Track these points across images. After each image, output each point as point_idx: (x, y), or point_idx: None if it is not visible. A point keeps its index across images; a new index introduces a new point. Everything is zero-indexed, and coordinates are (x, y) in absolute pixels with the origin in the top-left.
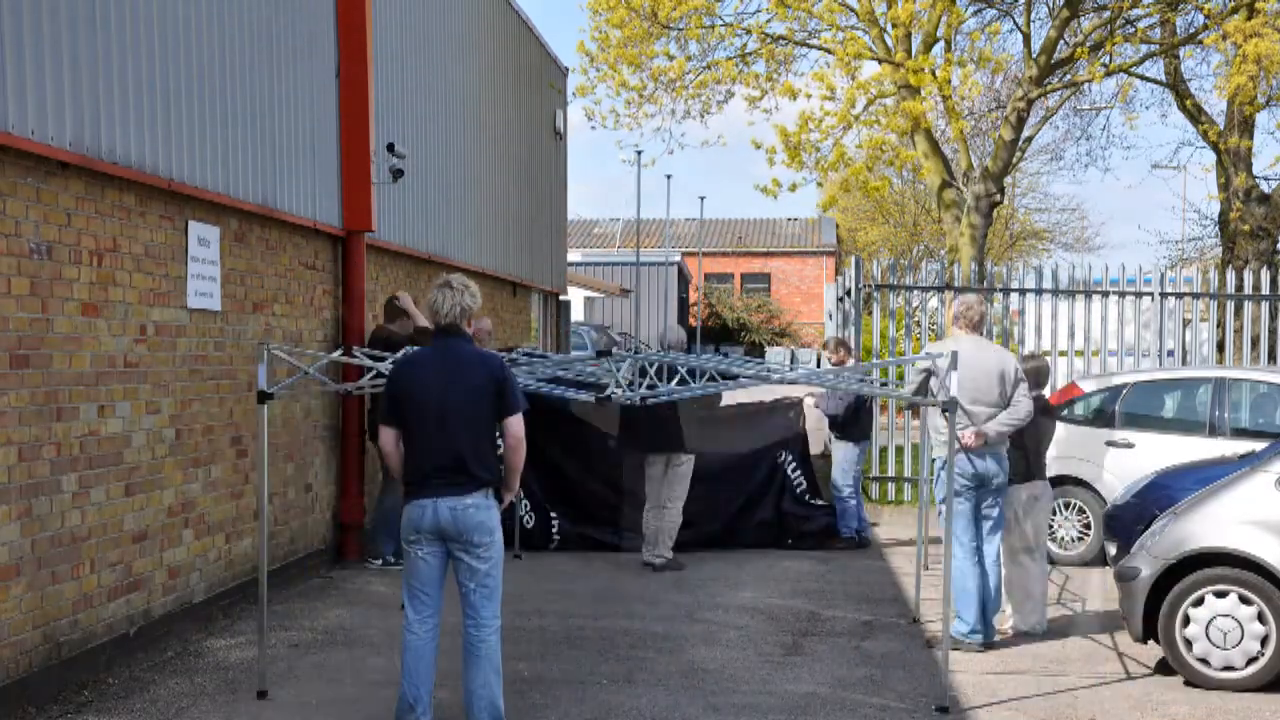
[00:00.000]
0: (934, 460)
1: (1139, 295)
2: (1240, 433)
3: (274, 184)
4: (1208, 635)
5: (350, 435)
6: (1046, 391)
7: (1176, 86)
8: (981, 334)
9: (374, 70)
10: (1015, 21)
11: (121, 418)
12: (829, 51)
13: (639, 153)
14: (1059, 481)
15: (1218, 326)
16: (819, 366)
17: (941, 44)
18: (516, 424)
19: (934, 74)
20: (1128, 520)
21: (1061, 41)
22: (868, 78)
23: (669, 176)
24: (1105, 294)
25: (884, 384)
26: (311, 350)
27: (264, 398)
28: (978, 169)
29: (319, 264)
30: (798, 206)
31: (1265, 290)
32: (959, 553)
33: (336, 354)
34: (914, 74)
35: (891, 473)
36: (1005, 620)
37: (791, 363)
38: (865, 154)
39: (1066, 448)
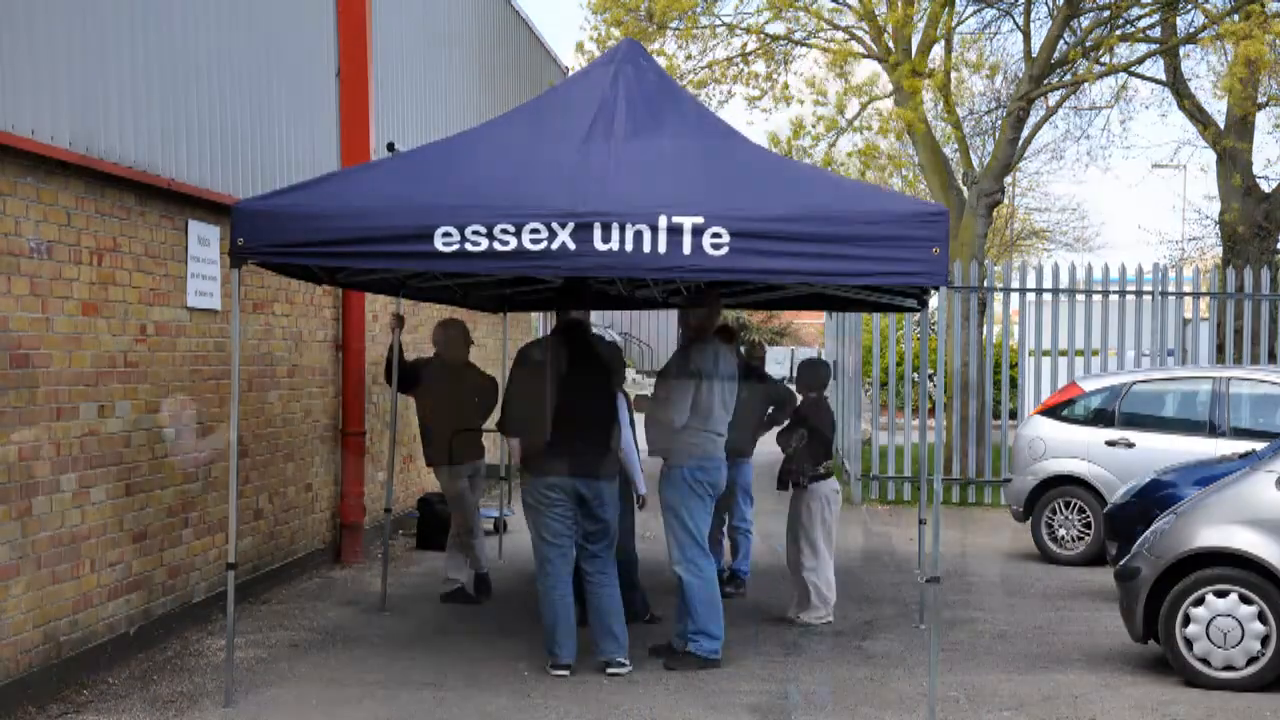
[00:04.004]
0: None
1: (1139, 295)
2: (1240, 433)
3: (274, 184)
4: (1208, 635)
5: (350, 435)
6: (1045, 392)
7: (1176, 86)
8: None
9: (374, 70)
10: (1015, 21)
11: (121, 418)
12: (827, 51)
13: None
14: (1059, 481)
15: (1217, 326)
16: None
17: (940, 44)
18: None
19: (931, 75)
20: (1128, 520)
21: (1061, 41)
22: (863, 80)
23: None
24: (1105, 294)
25: None
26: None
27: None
28: (977, 169)
29: None
30: None
31: (1265, 290)
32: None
33: None
34: (909, 77)
35: (891, 472)
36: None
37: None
38: (858, 161)
39: (1066, 448)
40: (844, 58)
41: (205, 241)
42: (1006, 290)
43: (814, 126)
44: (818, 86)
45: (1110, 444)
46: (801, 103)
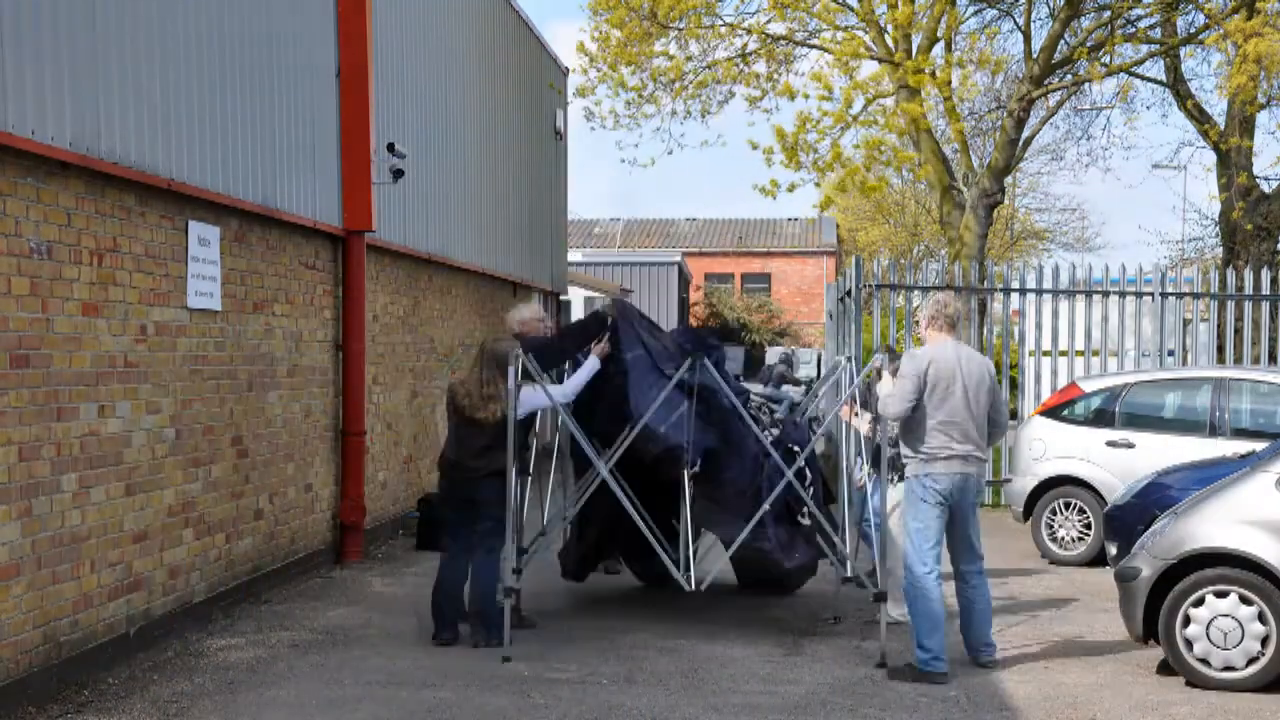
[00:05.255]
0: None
1: (1139, 295)
2: (1240, 433)
3: (274, 184)
4: (1208, 635)
5: (350, 435)
6: (1045, 392)
7: (1177, 87)
8: (958, 336)
9: (374, 70)
10: (1016, 21)
11: (121, 418)
12: (828, 51)
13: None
14: (1059, 482)
15: (1218, 326)
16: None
17: (941, 44)
18: None
19: (933, 75)
20: (1128, 520)
21: (1062, 41)
22: (866, 77)
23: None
24: (1105, 294)
25: None
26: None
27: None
28: (978, 170)
29: (319, 264)
30: (798, 206)
31: (1265, 290)
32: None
33: None
34: (913, 74)
35: None
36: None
37: (789, 365)
38: (863, 154)
39: (1066, 448)
40: (850, 54)
41: (205, 241)
42: (1007, 290)
43: (819, 122)
44: (824, 81)
45: (1110, 444)
46: (807, 97)
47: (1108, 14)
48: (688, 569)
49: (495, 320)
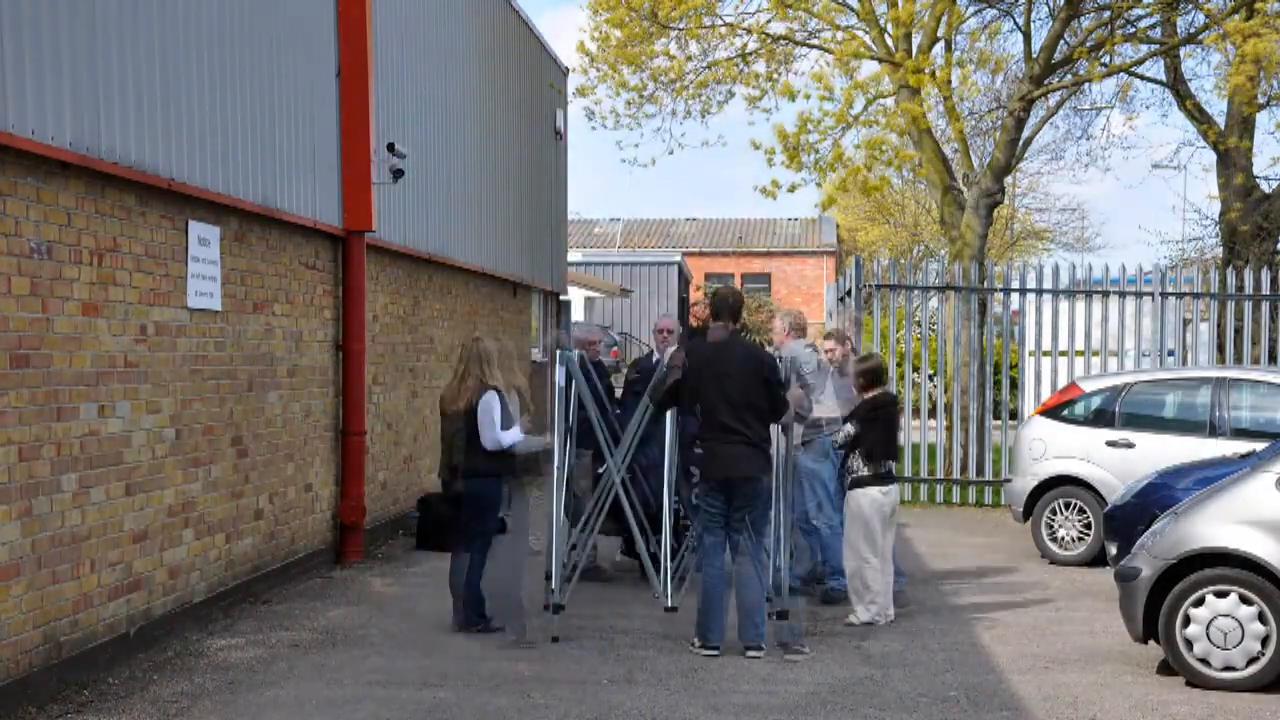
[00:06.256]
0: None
1: (1139, 295)
2: (1240, 433)
3: (274, 184)
4: (1208, 635)
5: (350, 435)
6: (1045, 392)
7: (1176, 86)
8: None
9: (374, 70)
10: (1015, 21)
11: (121, 417)
12: (829, 51)
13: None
14: (1059, 482)
15: (1218, 326)
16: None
17: (942, 44)
18: None
19: (933, 74)
20: (1128, 520)
21: (1062, 41)
22: (866, 77)
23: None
24: (1105, 294)
25: None
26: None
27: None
28: (979, 169)
29: (319, 264)
30: (798, 206)
31: (1265, 290)
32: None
33: None
34: (913, 74)
35: None
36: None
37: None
38: (864, 154)
39: (1066, 448)
40: (850, 53)
41: (205, 241)
42: (1007, 290)
43: (820, 122)
44: (824, 81)
45: (1110, 444)
46: (807, 97)
47: (1108, 14)
48: (667, 586)
49: (494, 320)
